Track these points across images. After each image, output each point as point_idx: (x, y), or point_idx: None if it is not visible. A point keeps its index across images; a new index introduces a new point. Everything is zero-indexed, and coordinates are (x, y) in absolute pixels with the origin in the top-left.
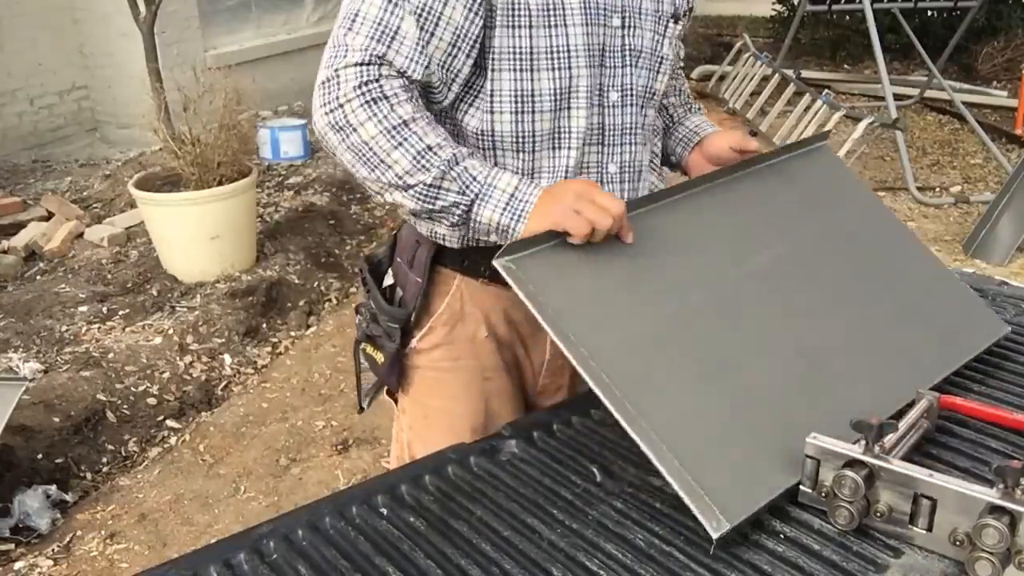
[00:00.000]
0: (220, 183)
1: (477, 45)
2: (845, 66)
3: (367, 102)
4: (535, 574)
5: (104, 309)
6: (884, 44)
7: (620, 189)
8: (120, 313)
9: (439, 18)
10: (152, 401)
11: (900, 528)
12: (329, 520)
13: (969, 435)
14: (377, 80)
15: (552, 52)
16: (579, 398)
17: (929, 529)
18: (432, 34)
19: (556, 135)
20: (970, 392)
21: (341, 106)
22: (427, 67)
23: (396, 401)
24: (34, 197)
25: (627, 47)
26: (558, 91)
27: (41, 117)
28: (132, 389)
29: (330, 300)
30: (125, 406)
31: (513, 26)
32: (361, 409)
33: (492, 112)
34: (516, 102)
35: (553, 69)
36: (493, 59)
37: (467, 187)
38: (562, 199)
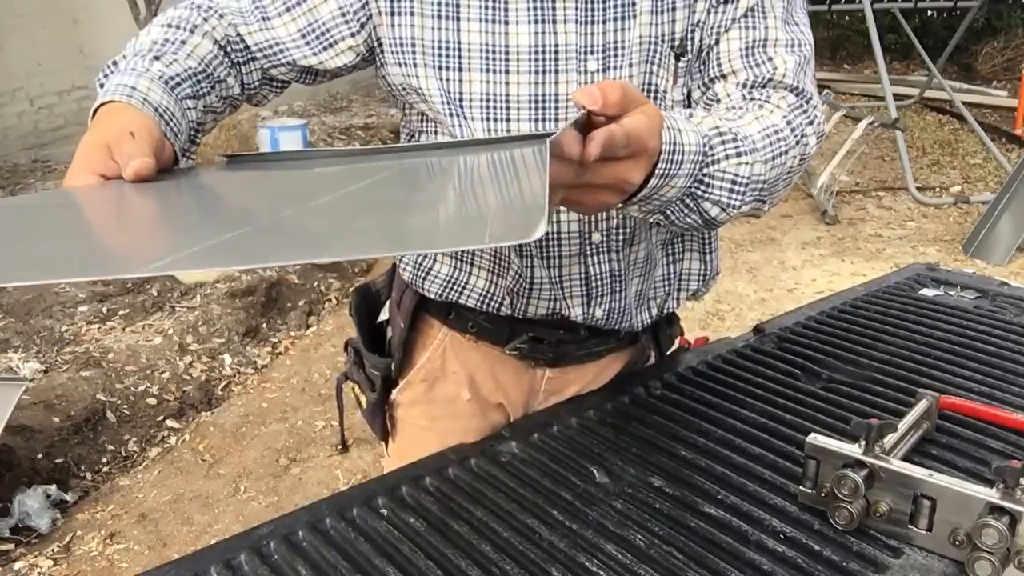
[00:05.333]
0: None
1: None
2: (845, 66)
3: None
4: (535, 575)
5: (104, 309)
6: (884, 44)
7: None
8: (120, 313)
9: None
10: (152, 401)
11: (900, 528)
12: (330, 521)
13: (969, 435)
14: None
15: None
16: (579, 398)
17: (929, 529)
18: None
19: None
20: (970, 392)
21: None
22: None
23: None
24: None
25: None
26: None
27: (41, 117)
28: (132, 389)
29: (330, 300)
30: (125, 406)
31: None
32: (345, 448)
33: None
34: None
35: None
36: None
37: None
38: (104, 132)
